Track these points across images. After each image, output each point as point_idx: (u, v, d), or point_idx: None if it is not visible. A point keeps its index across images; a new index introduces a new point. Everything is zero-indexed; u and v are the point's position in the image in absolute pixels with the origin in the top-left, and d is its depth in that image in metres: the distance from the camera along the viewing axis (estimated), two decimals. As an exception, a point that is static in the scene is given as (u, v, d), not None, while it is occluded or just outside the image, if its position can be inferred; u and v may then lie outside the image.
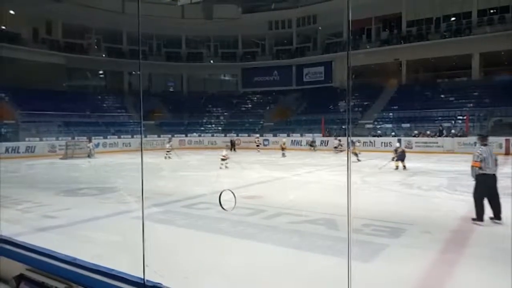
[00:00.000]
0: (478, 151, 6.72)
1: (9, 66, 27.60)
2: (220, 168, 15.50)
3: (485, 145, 6.86)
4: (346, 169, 2.28)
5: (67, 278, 2.49)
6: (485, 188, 6.59)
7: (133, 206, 8.28)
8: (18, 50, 29.72)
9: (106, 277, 2.36)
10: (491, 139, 25.88)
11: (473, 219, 6.64)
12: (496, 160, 6.69)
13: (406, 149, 17.71)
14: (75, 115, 31.41)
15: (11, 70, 27.32)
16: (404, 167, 14.61)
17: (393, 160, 15.01)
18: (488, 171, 6.56)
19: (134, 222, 6.54)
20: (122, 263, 2.66)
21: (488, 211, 6.59)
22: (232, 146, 28.80)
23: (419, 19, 31.92)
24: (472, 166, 6.71)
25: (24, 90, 29.02)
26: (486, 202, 6.58)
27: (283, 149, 22.09)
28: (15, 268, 2.76)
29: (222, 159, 15.68)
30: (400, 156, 14.82)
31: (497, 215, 6.56)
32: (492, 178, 6.61)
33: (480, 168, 6.59)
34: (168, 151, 21.40)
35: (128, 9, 33.38)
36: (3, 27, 31.18)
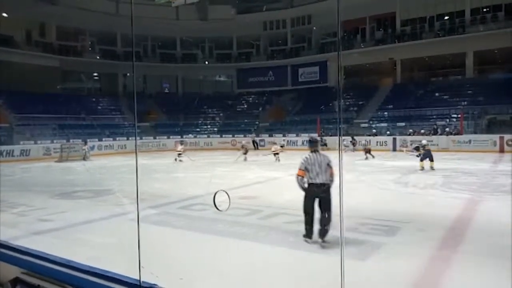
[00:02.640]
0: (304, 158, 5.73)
1: (2, 69, 27.42)
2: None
3: (315, 151, 5.73)
4: (341, 169, 2.29)
5: (62, 281, 2.47)
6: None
7: (128, 208, 8.26)
8: (11, 53, 29.54)
9: (102, 279, 2.35)
10: (485, 136, 25.71)
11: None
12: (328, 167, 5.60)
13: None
14: (70, 118, 31.32)
15: (4, 73, 27.14)
16: (432, 167, 13.34)
17: (418, 157, 13.99)
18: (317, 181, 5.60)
19: (130, 224, 6.50)
20: (118, 265, 2.65)
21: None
22: (256, 146, 28.86)
23: (413, 18, 32.08)
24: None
25: (18, 93, 28.86)
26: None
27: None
28: (11, 271, 2.74)
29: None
30: (426, 155, 13.49)
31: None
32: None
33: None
34: (179, 154, 19.46)
35: (122, 10, 33.24)
36: (-4, 30, 31.01)
